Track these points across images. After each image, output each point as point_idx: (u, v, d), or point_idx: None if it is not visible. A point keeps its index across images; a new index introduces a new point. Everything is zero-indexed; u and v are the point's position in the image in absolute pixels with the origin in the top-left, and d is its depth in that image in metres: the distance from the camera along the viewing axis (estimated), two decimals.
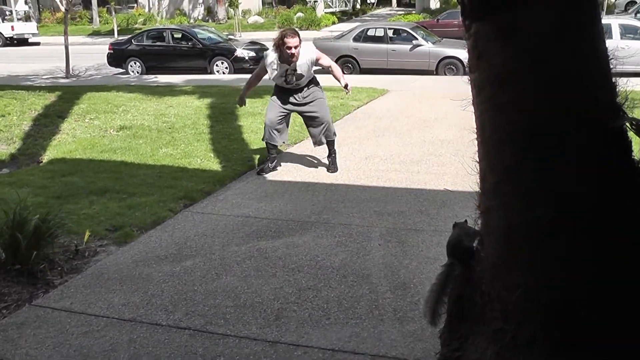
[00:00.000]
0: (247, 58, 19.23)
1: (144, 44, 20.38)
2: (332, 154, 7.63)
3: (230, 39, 21.81)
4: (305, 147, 8.82)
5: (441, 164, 7.69)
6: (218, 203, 6.41)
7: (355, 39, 18.88)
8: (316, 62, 7.23)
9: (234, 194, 6.72)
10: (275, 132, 7.32)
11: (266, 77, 7.35)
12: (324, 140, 7.52)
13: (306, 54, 7.10)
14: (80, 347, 3.75)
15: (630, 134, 2.47)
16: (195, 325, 3.94)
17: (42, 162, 8.39)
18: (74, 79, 18.07)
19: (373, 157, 8.17)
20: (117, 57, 20.37)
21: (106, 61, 20.63)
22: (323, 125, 7.41)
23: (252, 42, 21.29)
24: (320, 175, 7.33)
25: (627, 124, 2.42)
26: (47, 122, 10.46)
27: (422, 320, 3.84)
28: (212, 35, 21.07)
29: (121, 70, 20.29)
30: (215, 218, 5.94)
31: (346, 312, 4.05)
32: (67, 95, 12.87)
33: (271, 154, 7.49)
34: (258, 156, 8.17)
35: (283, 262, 4.87)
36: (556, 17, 2.29)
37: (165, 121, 10.57)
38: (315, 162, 7.93)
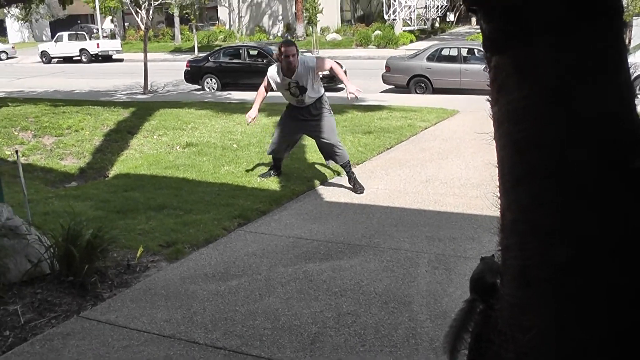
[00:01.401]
0: (320, 76, 19.35)
1: (220, 61, 20.86)
2: (350, 175, 7.71)
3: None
4: (366, 168, 8.82)
5: None
6: (272, 223, 6.47)
7: (429, 59, 18.82)
8: (318, 69, 7.41)
9: (289, 214, 6.77)
10: (281, 148, 7.79)
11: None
12: (337, 161, 7.74)
13: (305, 63, 7.29)
14: None
15: None
16: (231, 346, 3.98)
17: (108, 176, 8.69)
18: (151, 94, 18.62)
19: (433, 180, 8.09)
20: (194, 73, 20.90)
21: (183, 78, 21.18)
22: (331, 146, 7.55)
23: None
24: (377, 198, 7.30)
25: None
26: (117, 138, 10.82)
27: (459, 351, 3.79)
28: None
29: (198, 87, 20.79)
30: (267, 238, 5.99)
31: (382, 339, 4.02)
32: (140, 112, 13.27)
33: (277, 164, 8.10)
34: (319, 176, 8.21)
35: (327, 286, 4.87)
36: (576, 53, 2.22)
37: (231, 139, 10.76)
38: (375, 184, 7.90)
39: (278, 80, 7.36)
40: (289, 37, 39.01)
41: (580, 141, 2.26)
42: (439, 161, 9.18)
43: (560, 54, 2.25)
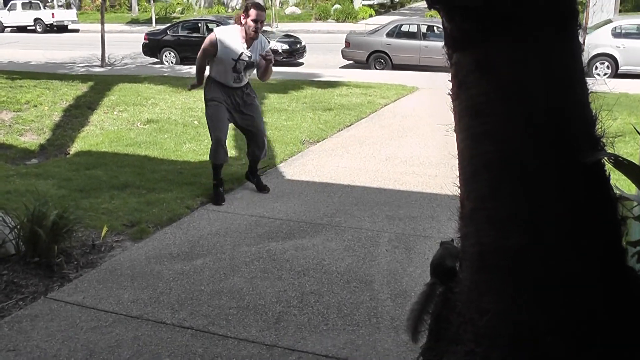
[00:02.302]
0: (280, 50, 19.40)
1: (179, 34, 20.69)
2: (255, 171, 6.95)
3: (264, 31, 21.95)
4: (327, 145, 8.93)
5: None
6: (235, 201, 6.55)
7: (389, 35, 18.94)
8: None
9: (251, 192, 6.85)
10: (224, 148, 6.50)
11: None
12: (260, 154, 6.75)
13: (262, 40, 6.41)
14: (87, 342, 3.91)
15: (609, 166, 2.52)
16: (198, 325, 4.08)
17: (69, 153, 8.63)
18: (109, 67, 18.38)
19: (393, 158, 8.24)
20: (152, 47, 20.70)
21: (141, 51, 20.96)
22: (262, 136, 6.66)
23: (287, 35, 21.48)
24: (338, 176, 7.43)
25: (605, 158, 2.47)
26: (77, 114, 10.72)
27: None
28: None
29: (156, 60, 20.59)
30: (230, 217, 6.08)
31: (345, 318, 4.16)
32: (98, 86, 13.14)
33: (219, 175, 6.59)
34: (280, 154, 8.30)
35: (290, 265, 4.99)
36: (533, 52, 2.35)
37: (192, 115, 10.77)
38: (335, 162, 8.02)
39: (232, 46, 6.22)
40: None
41: (535, 136, 2.40)
42: (399, 139, 9.34)
43: (516, 54, 2.38)
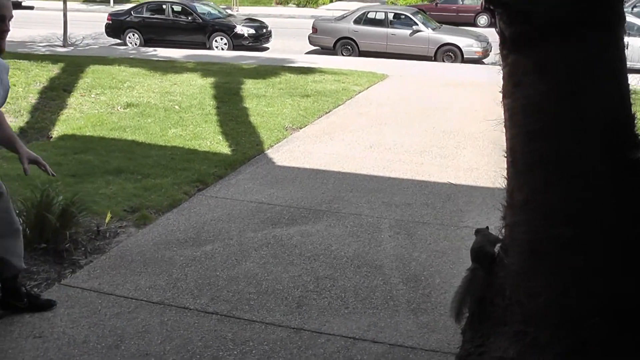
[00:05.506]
0: (246, 35, 19.39)
1: (143, 16, 20.44)
2: (20, 287, 4.14)
3: (229, 15, 21.88)
4: (310, 132, 9.03)
5: (444, 155, 7.94)
6: (231, 188, 6.61)
7: (356, 22, 19.04)
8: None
9: (245, 178, 6.92)
10: None
11: None
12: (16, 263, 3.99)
13: (3, 64, 3.86)
14: (114, 327, 3.97)
15: None
16: (221, 310, 4.17)
17: (52, 137, 8.52)
18: (72, 48, 18.11)
19: (377, 145, 8.38)
20: (116, 27, 20.42)
21: (104, 31, 20.65)
22: (17, 235, 4.01)
23: (250, 19, 21.43)
24: (327, 163, 7.53)
25: None
26: (54, 96, 10.57)
27: (435, 312, 4.15)
28: (211, 10, 21.14)
29: (119, 41, 20.33)
30: (229, 203, 6.15)
31: (363, 302, 4.30)
32: (70, 68, 12.94)
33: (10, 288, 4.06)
34: (266, 140, 8.36)
35: (299, 250, 5.10)
36: (587, 55, 2.53)
37: (172, 100, 10.72)
38: (322, 149, 8.13)
39: None
40: None
41: (586, 134, 2.60)
42: (379, 127, 9.48)
43: (571, 57, 2.56)
